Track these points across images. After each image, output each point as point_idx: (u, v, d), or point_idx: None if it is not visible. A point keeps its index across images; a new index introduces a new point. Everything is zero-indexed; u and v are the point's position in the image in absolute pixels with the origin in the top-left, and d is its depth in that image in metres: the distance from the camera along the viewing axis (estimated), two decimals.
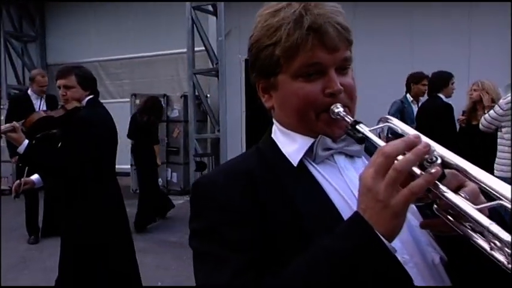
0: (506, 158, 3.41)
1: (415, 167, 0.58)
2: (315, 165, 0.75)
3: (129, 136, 5.51)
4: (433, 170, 0.57)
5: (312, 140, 0.75)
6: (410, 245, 0.68)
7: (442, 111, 3.98)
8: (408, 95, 4.75)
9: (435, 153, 0.59)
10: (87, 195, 2.52)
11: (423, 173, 0.57)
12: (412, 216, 0.70)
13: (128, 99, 7.46)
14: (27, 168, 2.66)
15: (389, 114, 4.68)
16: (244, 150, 7.29)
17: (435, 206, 0.63)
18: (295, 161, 0.75)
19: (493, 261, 0.55)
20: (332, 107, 0.72)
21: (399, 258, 0.59)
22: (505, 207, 0.54)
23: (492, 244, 0.55)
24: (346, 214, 0.67)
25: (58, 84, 2.56)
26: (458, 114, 4.36)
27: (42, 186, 2.75)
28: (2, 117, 7.10)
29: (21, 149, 2.35)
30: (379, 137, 0.67)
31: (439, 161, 0.58)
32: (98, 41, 8.84)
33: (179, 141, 7.36)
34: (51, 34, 9.58)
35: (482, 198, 0.60)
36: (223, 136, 6.95)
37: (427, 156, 0.58)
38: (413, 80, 4.69)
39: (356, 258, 0.57)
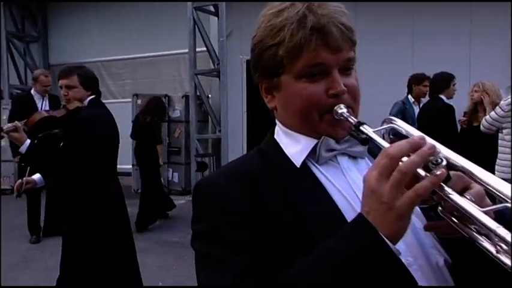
0: (507, 160, 3.41)
1: (420, 168, 0.57)
2: (318, 167, 0.75)
3: (132, 136, 5.57)
4: (438, 172, 0.56)
5: (315, 141, 0.75)
6: (415, 248, 0.68)
7: (443, 112, 3.97)
8: (410, 96, 4.75)
9: (440, 154, 0.58)
10: (89, 195, 2.52)
11: (428, 174, 0.57)
12: (416, 218, 0.70)
13: (130, 100, 7.49)
14: (29, 167, 2.67)
15: (390, 115, 4.68)
16: (245, 150, 7.31)
17: (440, 208, 0.63)
18: (298, 162, 0.74)
19: (498, 264, 0.55)
20: (335, 107, 0.71)
21: (403, 260, 0.58)
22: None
23: (498, 247, 0.55)
24: (349, 215, 0.67)
25: (60, 84, 2.57)
26: (459, 116, 4.36)
27: (44, 185, 2.76)
28: (4, 117, 7.14)
29: (23, 148, 2.35)
30: (383, 138, 0.67)
31: (444, 162, 0.57)
32: (100, 41, 8.86)
33: (180, 142, 7.37)
34: (53, 34, 9.61)
35: (488, 200, 0.60)
36: (224, 136, 6.96)
37: (432, 158, 0.57)
38: (415, 81, 4.69)
39: (360, 260, 0.57)
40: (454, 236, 0.63)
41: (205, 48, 7.14)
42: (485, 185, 0.58)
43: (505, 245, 0.53)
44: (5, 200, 6.65)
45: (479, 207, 0.56)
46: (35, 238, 4.87)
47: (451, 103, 4.08)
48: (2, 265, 4.12)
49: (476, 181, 0.59)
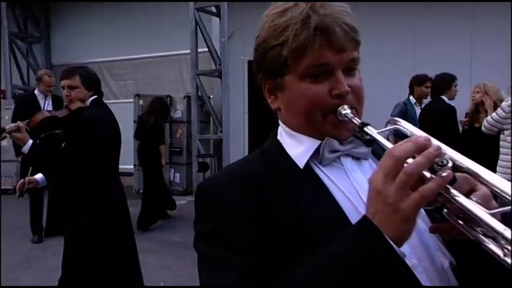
0: (508, 161, 3.41)
1: (426, 170, 0.57)
2: (322, 168, 0.74)
3: (135, 137, 5.65)
4: (444, 174, 0.56)
5: (318, 142, 0.74)
6: (419, 250, 0.67)
7: (445, 113, 3.97)
8: (411, 97, 4.75)
9: (446, 156, 0.58)
10: (91, 195, 2.53)
11: (434, 176, 0.56)
12: (421, 220, 0.69)
13: (132, 100, 7.50)
14: (31, 167, 2.68)
15: (392, 116, 4.70)
16: (246, 151, 7.31)
17: (445, 210, 0.62)
18: (301, 163, 0.74)
19: (505, 267, 0.54)
20: (339, 108, 0.71)
21: (408, 262, 0.58)
22: None
23: (505, 250, 0.54)
24: (352, 217, 0.67)
25: (62, 84, 2.58)
26: (460, 116, 4.36)
27: (46, 185, 2.77)
28: (7, 117, 7.16)
29: (25, 148, 2.36)
30: (387, 139, 0.66)
31: (450, 164, 0.57)
32: (102, 42, 8.89)
33: (182, 142, 7.38)
34: (55, 35, 9.64)
35: (495, 202, 0.59)
36: (225, 137, 6.97)
37: (437, 159, 0.57)
38: (417, 82, 4.69)
39: (364, 262, 0.56)
40: (460, 238, 0.63)
41: (207, 49, 7.15)
42: (492, 187, 0.57)
43: None
44: (8, 200, 6.67)
45: (486, 210, 0.55)
46: (37, 238, 4.88)
47: (453, 104, 4.08)
48: (4, 265, 4.14)
49: (482, 183, 0.58)
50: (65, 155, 2.47)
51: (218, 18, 7.06)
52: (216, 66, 7.17)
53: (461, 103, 4.29)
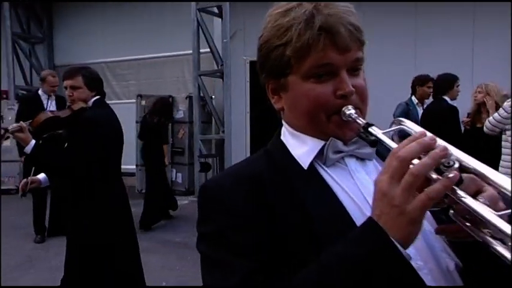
0: (510, 161, 3.40)
1: (432, 171, 0.56)
2: (326, 168, 0.73)
3: (139, 137, 5.70)
4: (450, 175, 0.55)
5: (322, 143, 0.73)
6: (424, 251, 0.66)
7: (447, 113, 3.97)
8: (413, 97, 4.75)
9: (452, 157, 0.57)
10: (94, 195, 2.53)
11: (439, 177, 0.55)
12: (426, 222, 0.67)
13: (134, 100, 7.51)
14: (33, 167, 2.69)
15: (394, 116, 4.70)
16: (248, 151, 7.31)
17: (451, 211, 0.61)
18: (305, 164, 0.73)
19: None
20: (343, 109, 0.70)
21: (413, 264, 0.57)
22: None
23: None
24: (357, 217, 0.67)
25: (65, 84, 2.58)
26: (462, 117, 4.35)
27: (49, 185, 2.78)
28: (10, 118, 7.19)
29: (28, 149, 2.37)
30: (392, 140, 0.65)
31: (456, 165, 0.56)
32: (104, 43, 8.91)
33: (184, 142, 7.39)
34: (58, 35, 9.68)
35: (502, 204, 0.58)
36: (227, 137, 6.98)
37: (444, 160, 0.56)
38: (419, 82, 4.69)
39: (370, 264, 0.56)
40: (466, 240, 0.62)
41: (208, 50, 7.16)
42: (499, 188, 0.56)
43: None
44: (11, 200, 6.71)
45: (493, 211, 0.54)
46: (39, 238, 4.90)
47: (454, 104, 4.08)
48: (7, 265, 4.15)
49: (489, 184, 0.57)
50: (68, 155, 2.48)
51: (220, 19, 7.06)
52: (218, 66, 7.18)
53: (463, 103, 4.28)
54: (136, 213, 3.03)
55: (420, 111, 4.64)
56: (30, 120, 2.55)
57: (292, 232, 0.67)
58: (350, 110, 0.70)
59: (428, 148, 0.57)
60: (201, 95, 7.23)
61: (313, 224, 0.66)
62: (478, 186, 0.59)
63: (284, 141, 0.78)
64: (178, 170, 7.40)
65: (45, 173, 2.64)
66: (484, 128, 3.65)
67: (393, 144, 0.63)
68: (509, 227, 0.52)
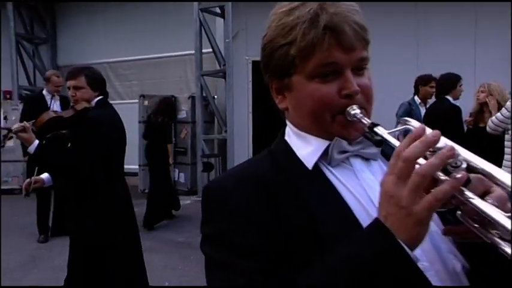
0: (510, 160, 3.39)
1: (439, 171, 0.55)
2: (331, 169, 0.73)
3: (144, 137, 5.77)
4: (458, 175, 0.54)
5: (327, 143, 0.73)
6: (431, 252, 0.66)
7: (450, 113, 3.95)
8: (416, 97, 4.74)
9: (460, 157, 0.56)
10: (97, 195, 2.54)
11: (446, 178, 0.55)
12: (432, 222, 0.65)
13: (137, 100, 7.53)
14: (37, 167, 2.70)
15: (397, 116, 4.70)
16: (251, 151, 7.32)
17: (459, 212, 0.61)
18: (309, 164, 0.73)
19: None
20: (348, 108, 0.70)
21: (419, 265, 0.56)
22: None
23: None
24: (362, 218, 0.66)
25: (68, 85, 2.59)
26: (465, 116, 4.34)
27: (52, 185, 2.79)
28: (14, 118, 7.22)
29: (31, 149, 2.38)
30: (398, 140, 0.65)
31: (464, 165, 0.55)
32: (107, 43, 8.94)
33: (187, 142, 7.41)
34: (61, 36, 9.72)
35: (510, 204, 0.57)
36: (230, 137, 6.99)
37: (451, 160, 0.55)
38: (421, 82, 4.68)
39: (376, 266, 0.55)
40: (473, 240, 0.62)
41: (211, 50, 7.17)
42: (507, 188, 0.55)
43: None
44: (14, 200, 6.74)
45: (502, 212, 0.54)
46: (43, 237, 4.92)
47: (457, 104, 4.07)
48: (10, 264, 4.18)
49: (497, 184, 0.57)
50: (71, 155, 2.49)
51: (222, 19, 7.07)
52: (220, 66, 7.19)
53: (466, 103, 4.27)
54: (139, 213, 3.04)
55: (423, 110, 4.62)
56: (34, 120, 2.56)
57: (297, 233, 0.66)
58: (355, 110, 0.69)
59: (432, 145, 0.56)
60: (204, 95, 7.24)
61: (318, 224, 0.66)
62: (486, 187, 0.58)
63: (288, 142, 0.77)
64: (181, 169, 7.42)
65: (48, 173, 2.64)
66: (487, 127, 3.64)
67: (399, 144, 0.62)
68: None
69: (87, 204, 2.56)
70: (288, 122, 0.79)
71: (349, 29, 0.68)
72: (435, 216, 0.68)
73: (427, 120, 4.27)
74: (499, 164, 3.51)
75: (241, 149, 7.12)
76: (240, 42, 7.14)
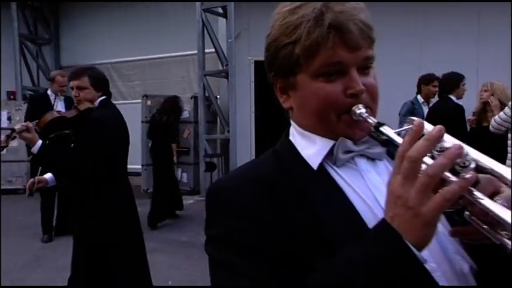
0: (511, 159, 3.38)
1: (447, 171, 0.54)
2: (336, 169, 0.72)
3: (148, 136, 5.80)
4: (467, 176, 0.53)
5: (332, 142, 0.72)
6: (438, 253, 0.65)
7: (453, 112, 3.94)
8: (419, 96, 4.73)
9: (468, 157, 0.55)
10: (100, 195, 2.55)
11: (454, 177, 0.54)
12: (439, 223, 0.65)
13: (139, 101, 7.55)
14: (40, 167, 2.72)
15: (399, 115, 4.68)
16: (253, 150, 7.32)
17: (467, 212, 0.60)
18: (314, 165, 0.72)
19: None
20: (353, 108, 0.69)
21: (426, 266, 0.55)
22: None
23: None
24: (368, 218, 0.66)
25: (71, 85, 2.60)
26: (468, 115, 4.33)
27: (56, 185, 2.80)
28: (18, 118, 7.26)
29: (34, 149, 2.38)
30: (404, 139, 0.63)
31: (472, 165, 0.55)
32: (110, 43, 8.97)
33: (189, 142, 7.42)
34: (65, 37, 9.76)
35: None
36: (232, 137, 6.99)
37: (459, 160, 0.54)
38: (424, 81, 4.67)
39: (383, 267, 0.54)
40: (482, 242, 0.60)
41: (213, 50, 7.18)
42: None
43: None
44: (18, 199, 6.78)
45: None
46: (46, 237, 4.93)
47: (460, 103, 4.06)
48: (14, 264, 4.20)
49: (506, 184, 0.56)
50: (74, 155, 2.50)
51: (225, 19, 7.08)
52: (222, 66, 7.20)
53: (468, 102, 4.26)
54: (142, 213, 3.05)
55: (426, 110, 4.61)
56: (37, 121, 2.57)
57: (301, 233, 0.66)
58: (361, 109, 0.68)
59: (436, 142, 0.55)
60: (206, 95, 7.25)
61: (323, 224, 0.65)
62: (495, 187, 0.57)
63: (293, 141, 0.77)
64: (184, 169, 7.43)
65: (51, 173, 2.66)
66: (490, 127, 3.62)
67: (401, 144, 0.61)
68: None
69: (91, 204, 2.57)
70: (292, 122, 0.79)
71: (354, 27, 0.67)
72: (441, 216, 0.67)
73: (430, 120, 4.17)
74: (502, 163, 3.49)
75: (244, 148, 7.13)
76: (242, 42, 7.14)
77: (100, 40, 9.02)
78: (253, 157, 7.28)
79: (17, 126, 2.41)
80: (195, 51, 7.24)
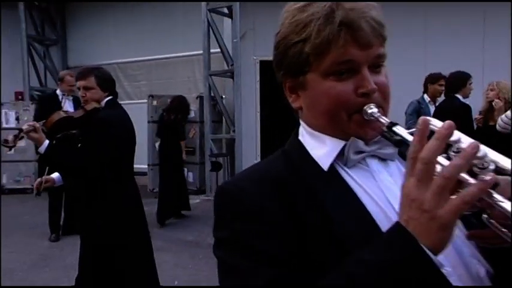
0: None
1: (464, 173, 0.52)
2: (347, 170, 0.70)
3: (157, 135, 5.89)
4: (487, 177, 0.51)
5: (342, 143, 0.70)
6: (453, 256, 0.63)
7: (460, 111, 3.91)
8: (425, 95, 4.71)
9: (487, 158, 0.53)
10: (107, 195, 2.56)
11: (472, 180, 0.52)
12: None
13: (145, 100, 7.59)
14: (47, 167, 2.74)
15: (406, 114, 4.66)
16: (259, 150, 7.32)
17: (485, 215, 0.58)
18: (325, 165, 0.70)
19: None
20: (365, 107, 0.67)
21: (442, 271, 0.53)
22: None
23: None
24: (380, 220, 0.65)
25: (78, 85, 2.62)
26: (474, 115, 4.30)
27: (63, 185, 2.82)
28: (26, 118, 7.33)
29: (41, 149, 2.40)
30: None
31: (491, 166, 0.53)
32: (116, 44, 9.02)
33: (195, 142, 7.44)
34: (71, 37, 9.83)
35: None
36: (238, 136, 7.00)
37: (477, 161, 0.53)
38: (431, 80, 4.65)
39: (399, 272, 0.53)
40: (499, 246, 0.59)
41: (219, 50, 7.19)
42: None
43: None
44: (26, 199, 6.84)
45: None
46: (54, 236, 4.97)
47: (466, 102, 4.03)
48: (22, 263, 4.24)
49: None
50: (81, 155, 2.51)
51: (230, 19, 7.09)
52: (228, 66, 7.20)
53: (474, 101, 4.23)
54: (148, 212, 3.06)
55: (432, 109, 4.59)
56: (44, 121, 2.59)
57: (312, 234, 0.64)
58: (372, 109, 0.67)
59: (447, 139, 0.54)
60: (212, 94, 7.27)
61: (334, 226, 0.64)
62: None
63: (302, 142, 0.75)
64: (190, 169, 7.45)
65: (59, 172, 2.67)
66: (497, 126, 3.60)
67: (411, 145, 0.59)
68: None
69: (97, 204, 2.58)
70: (301, 122, 0.77)
71: (366, 25, 0.66)
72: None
73: (436, 119, 4.23)
74: None
75: (249, 148, 7.14)
76: (247, 42, 7.15)
77: (106, 40, 9.08)
78: (259, 156, 7.28)
79: (25, 127, 2.42)
80: (201, 52, 7.26)
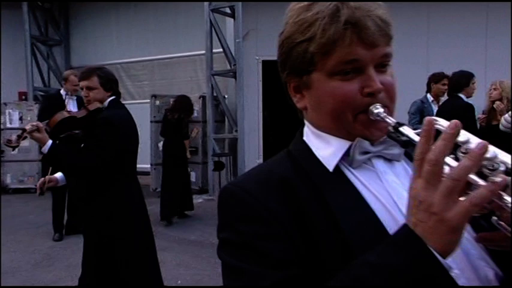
0: None
1: (473, 174, 0.51)
2: (352, 170, 0.69)
3: (161, 134, 5.91)
4: (497, 179, 0.50)
5: (348, 143, 0.70)
6: (461, 259, 0.61)
7: (463, 111, 3.90)
8: (429, 95, 4.70)
9: (497, 159, 0.52)
10: (110, 195, 2.56)
11: (482, 182, 0.51)
12: None
13: (148, 100, 7.61)
14: (51, 167, 2.75)
15: (409, 114, 4.65)
16: (261, 150, 7.33)
17: (495, 218, 0.57)
18: (330, 166, 0.69)
19: None
20: (371, 107, 0.66)
21: (451, 274, 0.53)
22: None
23: None
24: (386, 221, 0.64)
25: (81, 85, 2.62)
26: (477, 114, 4.29)
27: (67, 184, 2.83)
28: (29, 118, 7.36)
29: (45, 149, 2.40)
30: None
31: (502, 168, 0.52)
32: (119, 44, 9.05)
33: (198, 141, 7.45)
34: (75, 37, 9.87)
35: None
36: (240, 136, 7.01)
37: (487, 163, 0.52)
38: (434, 79, 4.64)
39: (407, 276, 0.52)
40: (509, 248, 0.58)
41: (221, 50, 7.20)
42: None
43: None
44: (29, 198, 6.88)
45: None
46: (58, 236, 4.98)
47: (469, 101, 4.02)
48: (26, 263, 4.26)
49: None
50: (84, 155, 2.51)
51: (232, 19, 7.09)
52: (230, 66, 7.21)
53: (477, 101, 4.22)
54: (151, 212, 3.06)
55: (435, 108, 4.58)
56: (47, 121, 2.60)
57: (318, 236, 0.64)
58: (378, 109, 0.66)
59: (454, 139, 0.53)
60: (214, 94, 7.28)
61: (340, 227, 0.63)
62: None
63: (307, 142, 0.74)
64: (192, 168, 7.46)
65: (62, 172, 2.68)
66: (500, 125, 3.59)
67: (417, 146, 0.58)
68: None
69: (100, 204, 2.58)
70: (306, 122, 0.76)
71: (371, 24, 0.65)
72: None
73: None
74: None
75: (252, 148, 7.14)
76: (250, 42, 7.15)
77: (109, 41, 9.11)
78: (261, 156, 7.29)
79: (28, 126, 2.42)
80: (203, 51, 7.27)
